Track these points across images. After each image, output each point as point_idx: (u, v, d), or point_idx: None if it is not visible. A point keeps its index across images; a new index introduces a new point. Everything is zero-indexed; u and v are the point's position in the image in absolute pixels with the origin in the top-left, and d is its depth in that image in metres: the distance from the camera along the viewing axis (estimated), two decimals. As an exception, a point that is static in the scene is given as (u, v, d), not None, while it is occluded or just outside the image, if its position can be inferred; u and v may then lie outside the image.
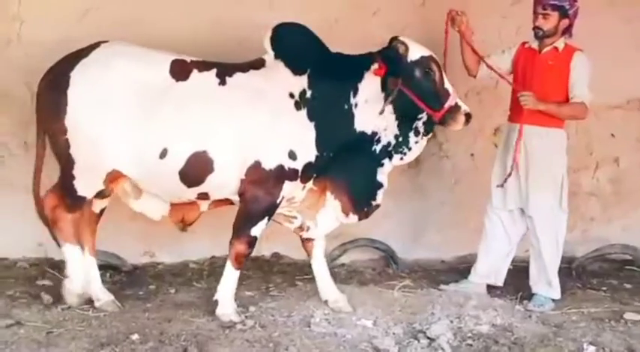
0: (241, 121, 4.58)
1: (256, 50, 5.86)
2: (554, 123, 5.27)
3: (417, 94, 4.68)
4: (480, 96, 4.82)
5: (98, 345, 4.30)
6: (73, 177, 4.71)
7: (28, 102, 5.76)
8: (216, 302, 4.77)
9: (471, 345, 4.54)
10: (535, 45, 5.34)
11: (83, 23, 5.76)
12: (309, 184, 4.81)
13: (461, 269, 6.20)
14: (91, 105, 4.58)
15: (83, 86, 4.62)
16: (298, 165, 4.62)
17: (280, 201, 4.69)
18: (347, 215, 4.91)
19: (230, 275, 4.78)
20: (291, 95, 4.66)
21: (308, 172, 4.69)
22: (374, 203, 4.91)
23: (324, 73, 4.69)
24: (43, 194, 4.95)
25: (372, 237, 6.18)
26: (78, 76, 4.64)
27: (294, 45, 4.75)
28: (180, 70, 4.67)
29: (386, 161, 4.87)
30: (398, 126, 4.80)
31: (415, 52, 4.69)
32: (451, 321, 4.82)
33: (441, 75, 4.75)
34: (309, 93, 4.67)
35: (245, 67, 4.76)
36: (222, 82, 4.67)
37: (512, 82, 5.34)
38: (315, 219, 4.96)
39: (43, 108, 4.81)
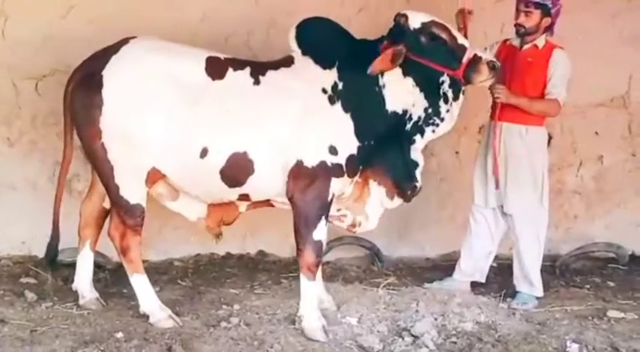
0: (277, 121, 4.54)
1: (242, 46, 5.93)
2: (534, 121, 5.28)
3: (430, 58, 4.60)
4: (466, 95, 4.83)
5: (82, 343, 4.29)
6: (117, 187, 4.61)
7: (13, 98, 5.79)
8: (300, 318, 4.62)
9: (455, 343, 4.56)
10: (516, 42, 5.35)
11: (68, 19, 5.76)
12: (356, 177, 4.74)
13: (445, 266, 6.22)
14: (128, 103, 4.49)
15: (118, 84, 4.52)
16: (341, 159, 4.55)
17: (332, 200, 4.61)
18: (392, 199, 4.85)
19: (307, 288, 4.61)
20: (324, 90, 4.60)
21: (353, 165, 4.61)
22: (415, 184, 4.83)
23: (352, 62, 4.62)
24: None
25: (357, 235, 6.18)
26: (111, 75, 4.54)
27: (320, 40, 4.71)
28: (215, 68, 4.61)
29: (417, 137, 4.78)
30: (425, 98, 4.70)
31: (415, 20, 4.63)
32: (435, 319, 4.82)
33: (451, 34, 4.65)
34: (340, 86, 4.62)
35: (276, 65, 4.72)
36: (257, 81, 4.62)
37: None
38: (365, 211, 4.89)
39: (75, 112, 4.69)
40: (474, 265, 5.56)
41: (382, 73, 4.61)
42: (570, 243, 6.69)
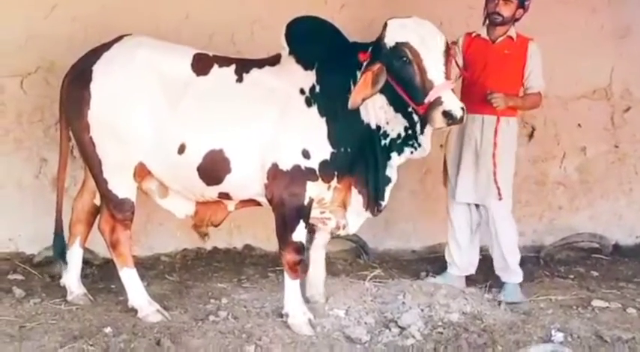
0: (255, 120, 4.46)
1: (226, 45, 5.93)
2: (511, 112, 5.29)
3: (399, 85, 4.23)
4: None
5: (71, 338, 4.30)
6: (106, 181, 4.63)
7: (-4, 96, 5.79)
8: (286, 315, 4.60)
9: (441, 333, 4.59)
10: (485, 35, 5.34)
11: (51, 17, 5.77)
12: (334, 183, 4.55)
13: (431, 258, 6.28)
14: (115, 97, 4.51)
15: (106, 78, 4.54)
16: (314, 163, 4.41)
17: (309, 203, 4.50)
18: (365, 209, 4.66)
19: (290, 286, 4.60)
20: (302, 91, 4.46)
21: (326, 170, 4.45)
22: (381, 202, 4.61)
23: (329, 65, 4.47)
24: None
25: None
26: (100, 69, 4.57)
27: (305, 39, 4.54)
28: (201, 64, 4.57)
29: (394, 155, 4.52)
30: (405, 117, 4.38)
31: (392, 36, 4.24)
32: (422, 310, 4.85)
33: (420, 64, 4.15)
34: (318, 88, 4.45)
35: (262, 64, 4.63)
36: (240, 79, 4.55)
37: (464, 73, 5.16)
38: (346, 217, 4.74)
39: (67, 106, 4.74)
40: (464, 259, 5.56)
41: (355, 82, 4.29)
42: (554, 233, 6.77)
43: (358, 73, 4.33)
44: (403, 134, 4.45)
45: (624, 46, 6.83)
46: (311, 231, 4.83)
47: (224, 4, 6.03)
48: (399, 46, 4.20)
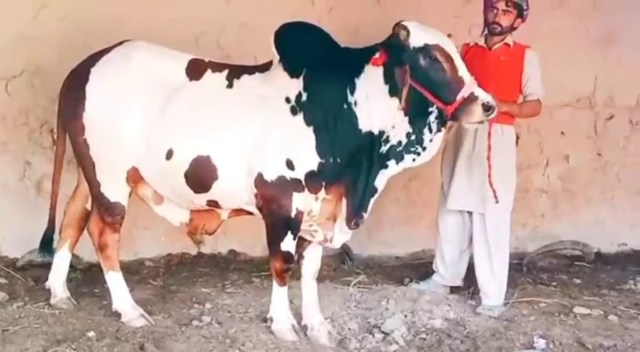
0: (242, 127, 4.36)
1: (214, 47, 5.94)
2: (507, 120, 5.24)
3: (425, 85, 4.17)
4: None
5: (54, 342, 4.29)
6: (99, 184, 4.62)
7: (-16, 97, 5.78)
8: (270, 320, 4.57)
9: (424, 339, 4.62)
10: (482, 43, 5.36)
11: (38, 19, 5.76)
12: (322, 194, 4.40)
13: (415, 265, 6.31)
14: (109, 99, 4.50)
15: (101, 80, 4.54)
16: (299, 174, 4.28)
17: (298, 215, 4.35)
18: (346, 221, 4.49)
19: (277, 293, 4.54)
20: (288, 100, 4.32)
21: (313, 182, 4.31)
22: (363, 213, 4.43)
23: (318, 72, 4.33)
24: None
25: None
26: (97, 72, 4.57)
27: (292, 46, 4.40)
28: (195, 69, 4.53)
29: (391, 163, 4.35)
30: (410, 122, 4.26)
31: (418, 38, 4.19)
32: (405, 316, 4.88)
33: (452, 62, 4.19)
34: (304, 97, 4.31)
35: (253, 70, 4.53)
36: (230, 85, 4.47)
37: None
38: (334, 229, 4.56)
39: (63, 107, 4.75)
40: (448, 270, 5.54)
41: (353, 90, 4.28)
42: (537, 241, 6.79)
43: (357, 80, 4.27)
44: (405, 141, 4.30)
45: (608, 53, 6.88)
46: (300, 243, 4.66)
47: (211, 7, 6.03)
48: (429, 48, 4.19)
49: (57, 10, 5.76)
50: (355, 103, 4.28)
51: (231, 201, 4.56)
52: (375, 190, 4.43)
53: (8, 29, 5.69)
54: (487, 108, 4.18)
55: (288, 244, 4.42)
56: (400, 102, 4.18)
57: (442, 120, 4.28)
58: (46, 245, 4.98)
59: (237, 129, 4.38)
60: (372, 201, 4.45)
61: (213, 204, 4.57)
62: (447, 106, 4.19)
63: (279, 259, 4.45)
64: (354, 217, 4.44)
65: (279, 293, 4.55)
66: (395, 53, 4.19)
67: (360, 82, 4.28)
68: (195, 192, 4.48)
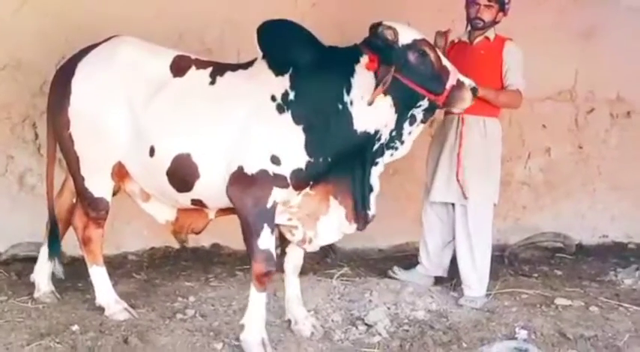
0: (223, 124, 4.27)
1: (197, 43, 5.95)
2: (491, 112, 5.28)
3: (415, 81, 4.21)
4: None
5: (38, 336, 4.30)
6: (83, 179, 4.60)
7: (-37, 93, 5.75)
8: (242, 327, 4.32)
9: (407, 331, 4.65)
10: (465, 38, 5.40)
11: (21, 14, 5.75)
12: (307, 190, 4.35)
13: (398, 257, 6.33)
14: (94, 93, 4.48)
15: (87, 75, 4.53)
16: (285, 170, 4.18)
17: (273, 206, 4.25)
18: (350, 222, 4.45)
19: (255, 298, 4.31)
20: (273, 98, 4.23)
21: (300, 179, 4.23)
22: (368, 212, 4.42)
23: (309, 71, 4.25)
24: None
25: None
26: (83, 66, 4.56)
27: (276, 44, 4.30)
28: (179, 65, 4.47)
29: (380, 160, 4.40)
30: (399, 118, 4.30)
31: (406, 35, 4.22)
32: (388, 308, 4.93)
33: (437, 54, 4.30)
34: (292, 95, 4.22)
35: (237, 67, 4.47)
36: (212, 82, 4.40)
37: None
38: (316, 228, 4.47)
39: (51, 101, 4.74)
40: (432, 261, 5.58)
41: (349, 89, 4.23)
42: (519, 233, 6.84)
43: (352, 81, 4.23)
44: (388, 137, 4.34)
45: (588, 48, 6.93)
46: (282, 240, 4.66)
47: (194, 3, 6.02)
48: (417, 43, 4.24)
49: (39, 5, 5.75)
50: (351, 103, 4.23)
51: (216, 200, 4.43)
52: (372, 189, 4.42)
53: (-12, 24, 5.69)
54: (474, 91, 4.37)
55: (266, 241, 4.24)
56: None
57: (430, 112, 4.37)
58: (54, 246, 4.95)
59: (218, 127, 4.29)
60: (373, 198, 4.44)
61: (199, 203, 4.48)
62: (437, 97, 4.28)
63: (259, 260, 4.24)
64: (362, 217, 4.42)
65: (256, 300, 4.32)
66: (385, 54, 4.19)
67: (355, 83, 4.23)
68: (178, 190, 4.40)
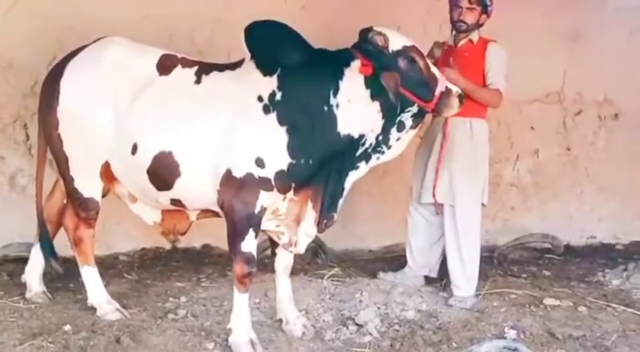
0: (206, 124, 4.26)
1: (187, 44, 5.96)
2: (477, 113, 5.31)
3: (405, 87, 4.21)
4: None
5: (30, 336, 4.31)
6: (72, 179, 4.63)
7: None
8: (229, 331, 4.35)
9: (397, 330, 4.69)
10: (450, 41, 5.43)
11: (11, 15, 5.76)
12: (290, 194, 4.34)
13: (388, 258, 6.37)
14: (81, 93, 4.51)
15: (74, 75, 4.56)
16: (269, 173, 4.17)
17: (260, 212, 4.25)
18: (314, 225, 4.45)
19: (238, 300, 4.32)
20: (260, 98, 4.22)
21: (283, 181, 4.22)
22: (333, 214, 4.43)
23: (297, 72, 4.25)
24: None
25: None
26: (72, 66, 4.60)
27: (264, 44, 4.28)
28: (165, 65, 4.49)
29: (362, 164, 4.39)
30: (386, 124, 4.31)
31: (396, 41, 4.25)
32: (378, 308, 4.96)
33: (426, 61, 4.33)
34: (279, 96, 4.21)
35: (223, 67, 4.46)
36: (198, 81, 4.40)
37: None
38: (298, 233, 4.49)
39: (41, 101, 4.77)
40: (417, 261, 5.62)
41: (336, 92, 4.22)
42: (507, 234, 6.88)
43: (340, 84, 4.22)
44: (374, 142, 4.34)
45: (576, 50, 6.98)
46: (272, 242, 4.71)
47: (184, 4, 6.05)
48: (406, 49, 4.26)
49: (30, 6, 5.76)
50: (337, 106, 4.22)
51: (195, 200, 4.45)
52: (342, 192, 4.44)
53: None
54: (461, 98, 4.41)
55: (250, 244, 4.26)
56: (382, 107, 4.20)
57: (419, 118, 4.39)
58: (47, 248, 4.96)
59: (201, 126, 4.28)
60: (341, 201, 4.46)
61: (177, 203, 4.48)
62: (427, 104, 4.31)
63: (240, 261, 4.26)
64: (324, 218, 4.42)
65: (239, 302, 4.34)
66: (377, 59, 4.21)
67: (343, 86, 4.23)
68: (158, 189, 4.40)
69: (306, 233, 4.49)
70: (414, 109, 4.31)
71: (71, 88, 4.55)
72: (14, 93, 5.82)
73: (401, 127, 4.35)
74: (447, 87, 4.36)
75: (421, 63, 4.28)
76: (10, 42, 5.74)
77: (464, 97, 4.47)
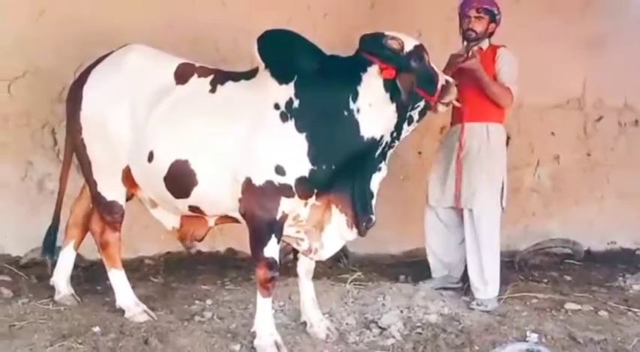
0: (222, 132, 4.29)
1: (209, 51, 6.03)
2: (494, 118, 5.39)
3: (419, 86, 4.31)
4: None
5: (60, 337, 4.37)
6: (96, 183, 4.72)
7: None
8: (254, 334, 4.37)
9: (420, 333, 4.71)
10: (462, 51, 5.49)
11: (40, 22, 5.87)
12: (312, 200, 4.35)
13: (409, 263, 6.42)
14: (102, 99, 4.59)
15: (97, 82, 4.66)
16: (289, 180, 4.18)
17: (282, 218, 4.27)
18: (351, 229, 4.46)
19: (261, 305, 4.36)
20: (277, 106, 4.22)
21: (304, 187, 4.23)
22: (371, 216, 4.43)
23: (314, 79, 4.26)
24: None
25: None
26: (95, 73, 4.71)
27: (279, 53, 4.27)
28: (183, 74, 4.54)
29: (382, 165, 4.46)
30: (398, 122, 4.38)
31: (409, 43, 4.33)
32: (401, 311, 5.00)
33: (428, 58, 4.43)
34: (296, 103, 4.22)
35: (239, 76, 4.48)
36: (213, 90, 4.45)
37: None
38: (321, 239, 4.52)
39: (67, 107, 4.87)
40: (440, 263, 5.68)
41: (356, 97, 4.25)
42: (528, 239, 6.93)
43: (359, 89, 4.25)
44: (389, 140, 4.40)
45: (596, 57, 7.02)
46: (294, 251, 4.75)
47: (207, 12, 6.13)
48: (418, 48, 4.36)
49: (57, 14, 5.87)
50: (358, 111, 4.24)
51: (213, 207, 4.49)
52: (372, 194, 4.46)
53: (11, 32, 5.79)
54: (457, 87, 4.55)
55: (272, 250, 4.28)
56: (398, 106, 4.29)
57: (424, 112, 4.50)
58: (50, 245, 5.07)
59: (217, 134, 4.31)
60: (374, 203, 4.48)
61: (196, 210, 4.52)
62: (432, 97, 4.42)
63: (263, 267, 4.29)
64: (363, 221, 4.42)
65: (263, 306, 4.38)
66: (398, 63, 4.26)
67: (362, 91, 4.26)
68: (175, 197, 4.46)
69: (341, 235, 4.51)
70: (422, 104, 4.43)
71: (92, 94, 4.65)
72: (42, 100, 5.91)
73: (410, 121, 4.46)
74: (446, 80, 4.49)
75: (427, 60, 4.41)
76: (38, 49, 5.85)
77: (457, 85, 4.57)
